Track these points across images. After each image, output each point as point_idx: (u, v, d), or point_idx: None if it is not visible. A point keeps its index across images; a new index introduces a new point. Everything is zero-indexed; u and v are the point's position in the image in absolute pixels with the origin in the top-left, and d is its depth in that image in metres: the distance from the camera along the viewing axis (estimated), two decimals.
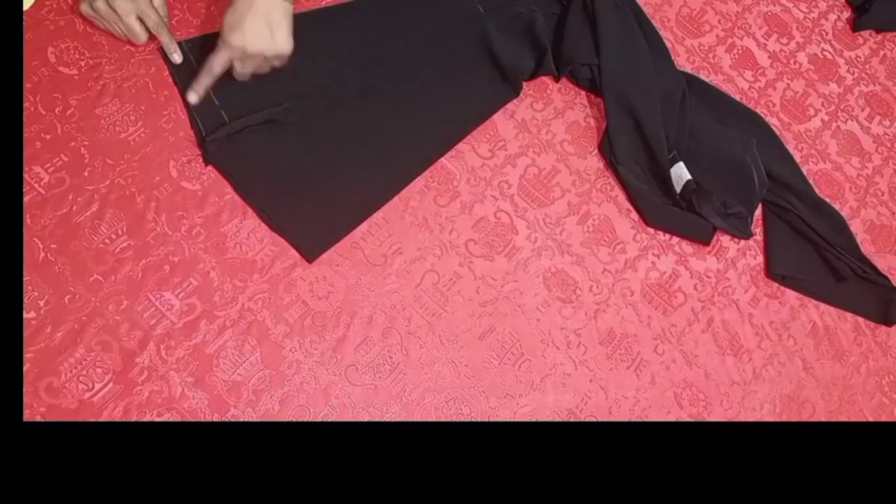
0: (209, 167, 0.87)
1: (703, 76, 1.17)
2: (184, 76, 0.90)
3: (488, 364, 0.89)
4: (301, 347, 0.83)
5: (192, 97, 0.86)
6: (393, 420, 0.83)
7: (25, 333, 0.74)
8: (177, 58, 0.89)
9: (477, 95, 1.03)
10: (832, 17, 1.32)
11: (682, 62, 1.18)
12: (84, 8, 0.85)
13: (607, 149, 1.05)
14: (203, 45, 0.92)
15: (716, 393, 0.97)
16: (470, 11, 1.08)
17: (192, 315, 0.81)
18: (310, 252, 0.87)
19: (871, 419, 1.02)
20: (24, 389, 0.73)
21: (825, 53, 1.28)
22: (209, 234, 0.85)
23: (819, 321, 1.06)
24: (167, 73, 0.90)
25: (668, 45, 1.15)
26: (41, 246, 0.78)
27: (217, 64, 0.84)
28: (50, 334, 0.75)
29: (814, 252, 1.09)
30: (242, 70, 0.86)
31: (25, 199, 0.80)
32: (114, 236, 0.81)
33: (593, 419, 0.90)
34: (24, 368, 0.73)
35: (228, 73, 0.89)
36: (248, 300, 0.83)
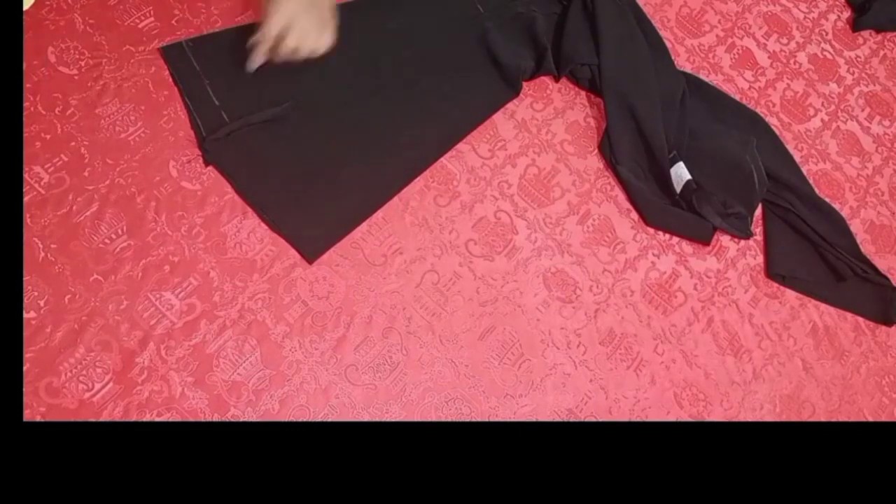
0: (209, 167, 0.87)
1: (703, 76, 1.17)
2: (184, 76, 0.90)
3: (488, 364, 0.89)
4: (301, 347, 0.83)
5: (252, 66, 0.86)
6: (393, 420, 0.83)
7: (25, 333, 0.74)
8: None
9: (477, 95, 1.03)
10: (832, 17, 1.32)
11: (682, 62, 1.18)
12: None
13: (607, 149, 1.05)
14: (204, 45, 0.93)
15: (716, 393, 0.97)
16: (470, 11, 1.08)
17: (192, 315, 0.81)
18: (310, 253, 0.87)
19: (871, 419, 1.02)
20: (24, 389, 0.73)
21: (825, 53, 1.28)
22: (209, 234, 0.85)
23: (819, 321, 1.06)
24: (167, 73, 0.90)
25: (668, 45, 1.15)
26: (41, 246, 0.78)
27: (260, 51, 0.84)
28: (50, 334, 0.75)
29: (814, 252, 1.09)
30: (273, 56, 0.86)
31: (25, 199, 0.80)
32: (114, 236, 0.81)
33: (593, 419, 0.90)
34: (24, 368, 0.73)
35: (230, 74, 0.89)
36: (248, 300, 0.83)
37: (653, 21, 1.16)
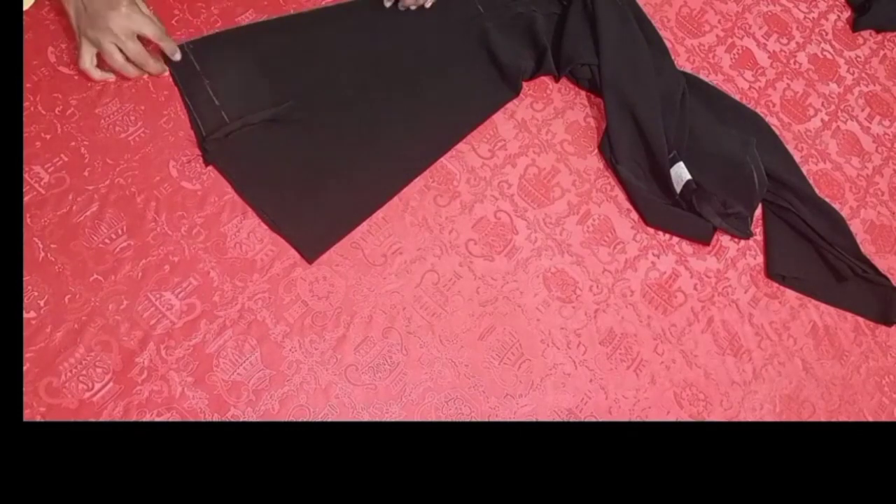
0: (209, 167, 0.87)
1: (703, 76, 1.17)
2: (184, 76, 0.90)
3: (488, 364, 0.89)
4: (301, 347, 0.83)
5: None
6: (393, 420, 0.83)
7: (25, 333, 0.74)
8: (177, 56, 0.89)
9: (477, 95, 1.03)
10: (832, 17, 1.32)
11: (682, 62, 1.18)
12: (86, 63, 0.82)
13: (607, 149, 1.05)
14: (204, 45, 0.93)
15: (716, 393, 0.97)
16: (470, 11, 1.08)
17: (192, 315, 0.81)
18: (310, 252, 0.87)
19: (871, 419, 1.02)
20: (24, 389, 0.73)
21: (825, 53, 1.28)
22: (209, 234, 0.85)
23: (819, 321, 1.06)
24: (168, 72, 0.90)
25: (668, 45, 1.15)
26: (41, 246, 0.78)
27: None
28: (50, 334, 0.75)
29: (814, 252, 1.09)
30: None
31: (25, 198, 0.80)
32: (114, 236, 0.81)
33: (593, 419, 0.90)
34: (24, 368, 0.73)
35: (230, 74, 0.89)
36: (248, 300, 0.83)
37: (653, 21, 1.16)
